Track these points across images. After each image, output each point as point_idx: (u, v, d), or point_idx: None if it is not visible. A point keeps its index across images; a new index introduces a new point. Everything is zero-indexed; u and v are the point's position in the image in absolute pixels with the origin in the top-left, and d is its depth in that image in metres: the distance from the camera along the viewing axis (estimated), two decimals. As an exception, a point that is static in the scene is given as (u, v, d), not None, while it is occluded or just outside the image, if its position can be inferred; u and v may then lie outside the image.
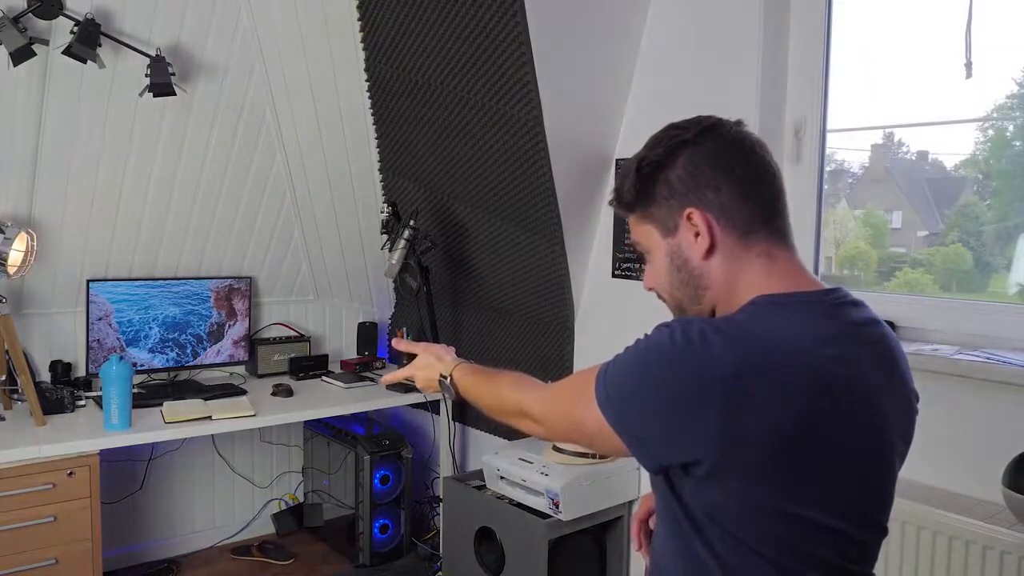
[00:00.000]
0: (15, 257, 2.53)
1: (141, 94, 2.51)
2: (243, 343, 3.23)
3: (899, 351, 1.03)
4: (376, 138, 3.18)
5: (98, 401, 2.74)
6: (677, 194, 1.00)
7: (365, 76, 2.97)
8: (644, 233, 1.06)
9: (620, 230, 2.67)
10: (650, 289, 1.09)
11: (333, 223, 3.38)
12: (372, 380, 3.23)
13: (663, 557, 1.04)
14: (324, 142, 3.11)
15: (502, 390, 1.18)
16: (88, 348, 2.86)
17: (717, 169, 0.99)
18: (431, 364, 1.32)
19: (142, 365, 2.99)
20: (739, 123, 1.04)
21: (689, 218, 1.00)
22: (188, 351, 3.10)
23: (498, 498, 2.67)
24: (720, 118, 1.04)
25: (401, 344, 1.41)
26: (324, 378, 3.28)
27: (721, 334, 0.90)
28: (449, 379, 1.27)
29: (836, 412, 0.91)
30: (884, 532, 1.01)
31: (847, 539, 0.95)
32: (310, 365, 3.35)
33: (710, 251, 1.00)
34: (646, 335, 0.96)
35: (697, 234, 1.00)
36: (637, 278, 2.63)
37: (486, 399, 1.22)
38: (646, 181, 1.03)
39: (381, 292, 3.67)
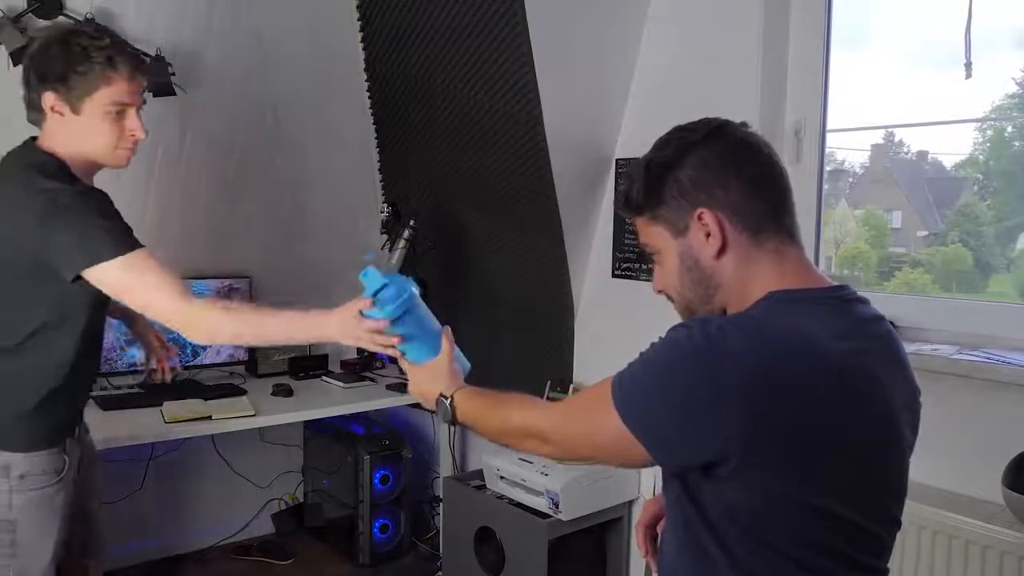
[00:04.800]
0: (15, 257, 2.52)
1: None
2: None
3: (902, 347, 1.05)
4: (376, 138, 3.18)
5: (98, 401, 2.74)
6: (687, 194, 1.01)
7: (365, 76, 2.97)
8: (654, 235, 1.06)
9: (620, 230, 2.67)
10: (659, 291, 1.10)
11: (333, 223, 3.37)
12: (372, 380, 3.23)
13: (675, 561, 1.04)
14: (324, 142, 3.10)
15: (507, 410, 1.15)
16: (88, 348, 2.85)
17: (726, 168, 1.00)
18: (436, 379, 1.28)
19: (142, 365, 2.99)
20: (744, 124, 1.06)
21: (700, 218, 1.00)
22: (188, 351, 3.10)
23: (498, 498, 2.67)
24: (727, 119, 1.05)
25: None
26: (324, 378, 3.27)
27: (740, 330, 0.91)
28: (450, 399, 1.23)
29: (853, 404, 0.92)
30: (898, 525, 1.02)
31: (864, 532, 0.96)
32: (310, 365, 3.34)
33: (722, 250, 1.00)
34: (660, 338, 0.96)
35: (708, 234, 1.00)
36: (637, 278, 2.63)
37: (489, 421, 1.19)
38: (655, 182, 1.03)
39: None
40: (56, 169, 1.59)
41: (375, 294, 1.25)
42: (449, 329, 1.33)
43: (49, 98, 1.59)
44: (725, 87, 2.33)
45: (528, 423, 1.10)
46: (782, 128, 2.34)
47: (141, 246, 1.57)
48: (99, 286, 1.56)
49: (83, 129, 1.60)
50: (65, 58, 1.56)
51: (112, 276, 1.54)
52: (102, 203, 1.61)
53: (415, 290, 1.30)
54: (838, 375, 0.91)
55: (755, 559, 0.93)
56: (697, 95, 2.38)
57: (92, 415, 2.61)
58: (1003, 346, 1.92)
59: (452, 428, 3.18)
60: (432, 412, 1.28)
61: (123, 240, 1.55)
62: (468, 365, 1.33)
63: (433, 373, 1.29)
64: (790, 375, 0.88)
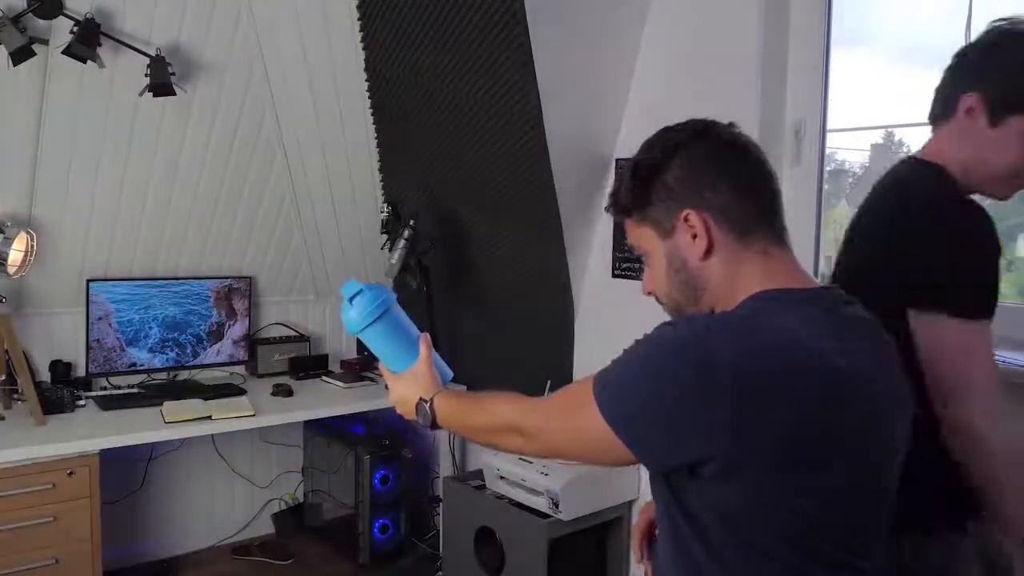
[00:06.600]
0: (15, 257, 2.53)
1: (141, 94, 2.51)
2: (243, 343, 3.23)
3: (895, 349, 1.04)
4: (376, 138, 3.18)
5: (98, 401, 2.74)
6: (674, 195, 1.01)
7: (365, 76, 2.97)
8: (642, 236, 1.06)
9: (620, 230, 2.67)
10: (649, 293, 1.09)
11: (333, 223, 3.37)
12: (372, 380, 3.23)
13: (664, 562, 1.03)
14: (324, 142, 3.10)
15: (490, 407, 1.14)
16: (88, 348, 2.86)
17: (713, 169, 1.00)
18: (415, 385, 1.25)
19: (142, 365, 2.99)
20: (732, 125, 1.05)
21: (686, 219, 1.00)
22: (188, 351, 3.10)
23: (498, 498, 2.67)
24: (714, 120, 1.05)
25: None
26: (324, 378, 3.28)
27: (727, 328, 0.91)
28: (429, 403, 1.22)
29: (843, 405, 0.91)
30: (888, 530, 1.01)
31: (852, 534, 0.95)
32: (310, 365, 3.35)
33: (708, 252, 1.00)
34: (646, 335, 0.95)
35: (695, 235, 1.00)
36: (637, 278, 2.63)
37: (470, 419, 1.17)
38: (643, 184, 1.03)
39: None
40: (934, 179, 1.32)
41: (350, 300, 1.25)
42: (428, 335, 1.31)
43: (970, 99, 1.33)
44: (725, 87, 2.33)
45: (510, 419, 1.08)
46: (782, 128, 2.34)
47: (989, 316, 1.25)
48: (917, 334, 1.24)
49: (990, 144, 1.32)
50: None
51: (938, 331, 1.23)
52: (975, 239, 1.25)
53: (391, 297, 1.29)
54: (827, 374, 0.90)
55: (746, 561, 0.92)
56: (697, 95, 2.38)
57: (92, 415, 2.62)
58: (1003, 346, 1.92)
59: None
60: (413, 421, 1.26)
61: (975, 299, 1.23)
62: (450, 373, 1.32)
63: (412, 379, 1.26)
64: (779, 374, 0.87)
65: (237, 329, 3.21)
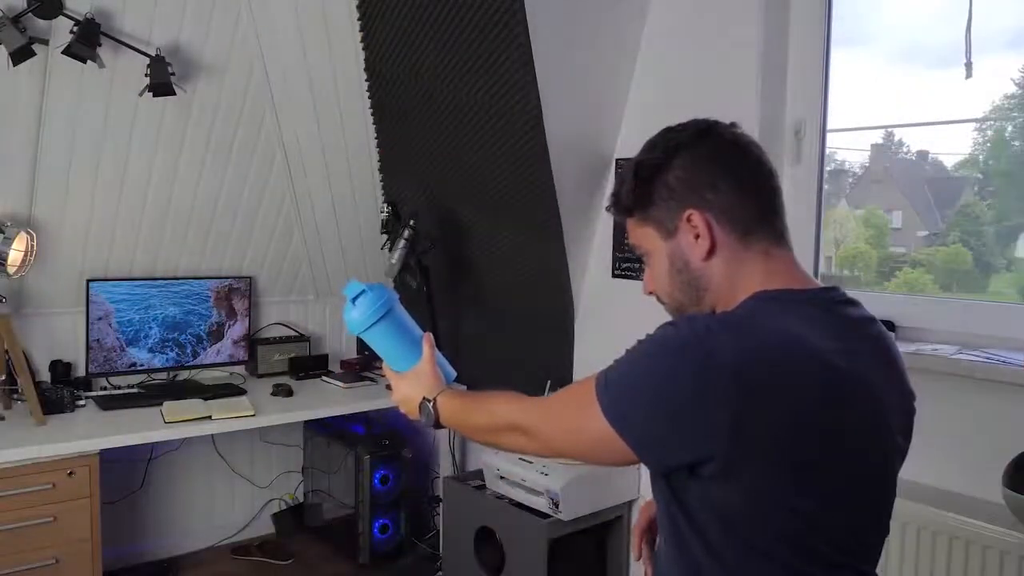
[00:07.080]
0: (15, 257, 2.53)
1: (141, 94, 2.51)
2: (243, 343, 3.23)
3: (896, 350, 1.04)
4: (376, 138, 3.18)
5: (98, 401, 2.74)
6: (676, 196, 1.01)
7: (365, 76, 2.97)
8: (644, 236, 1.06)
9: (620, 230, 2.67)
10: (650, 293, 1.09)
11: (333, 223, 3.37)
12: (372, 380, 3.23)
13: (664, 563, 1.03)
14: (324, 142, 3.10)
15: (492, 406, 1.14)
16: (88, 348, 2.86)
17: (715, 169, 1.00)
18: (418, 384, 1.26)
19: (142, 365, 2.99)
20: (734, 125, 1.05)
21: (689, 220, 1.00)
22: (188, 351, 3.10)
23: (498, 498, 2.67)
24: (716, 120, 1.04)
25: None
26: (324, 378, 3.28)
27: (728, 328, 0.90)
28: (432, 402, 1.22)
29: (843, 405, 0.91)
30: (886, 530, 1.01)
31: (852, 535, 0.95)
32: (310, 365, 3.35)
33: (711, 252, 1.00)
34: (648, 335, 0.95)
35: (697, 235, 1.00)
36: (637, 278, 2.63)
37: (474, 418, 1.18)
38: (645, 184, 1.03)
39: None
40: None
41: (353, 301, 1.26)
42: (430, 335, 1.32)
43: None
44: (725, 87, 2.33)
45: (512, 418, 1.08)
46: (782, 128, 2.34)
47: None
48: None
49: None
50: None
51: None
52: None
53: (394, 297, 1.29)
54: (826, 375, 0.90)
55: (745, 562, 0.92)
56: (697, 95, 2.38)
57: (92, 415, 2.62)
58: (1003, 346, 1.92)
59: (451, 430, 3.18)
60: (416, 420, 1.27)
61: None
62: (453, 373, 1.32)
63: (415, 379, 1.27)
64: (779, 374, 0.87)
65: (237, 329, 3.21)
